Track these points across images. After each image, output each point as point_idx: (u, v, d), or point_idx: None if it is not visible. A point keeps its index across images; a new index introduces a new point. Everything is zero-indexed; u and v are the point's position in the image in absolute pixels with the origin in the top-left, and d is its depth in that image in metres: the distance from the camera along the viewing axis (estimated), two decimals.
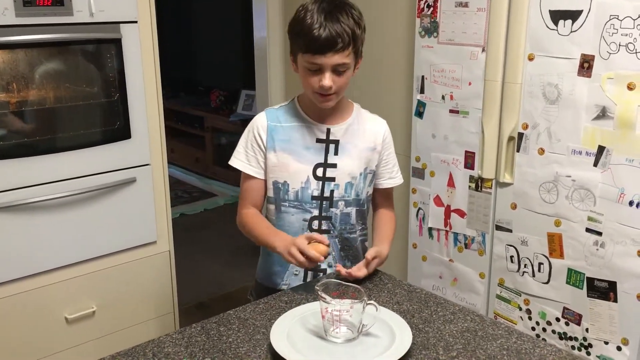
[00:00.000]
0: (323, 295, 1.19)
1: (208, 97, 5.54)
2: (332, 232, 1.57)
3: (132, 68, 2.13)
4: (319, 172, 1.54)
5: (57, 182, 2.04)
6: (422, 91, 2.37)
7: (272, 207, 1.60)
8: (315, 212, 1.56)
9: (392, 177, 1.66)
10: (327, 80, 1.42)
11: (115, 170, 2.16)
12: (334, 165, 1.54)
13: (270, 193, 1.59)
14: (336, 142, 1.55)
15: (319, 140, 1.54)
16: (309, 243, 1.39)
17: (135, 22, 2.10)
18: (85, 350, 2.18)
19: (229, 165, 1.63)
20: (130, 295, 2.29)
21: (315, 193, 1.55)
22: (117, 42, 2.07)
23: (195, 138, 5.56)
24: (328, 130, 1.54)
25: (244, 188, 1.62)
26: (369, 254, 1.46)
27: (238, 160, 1.60)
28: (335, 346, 1.18)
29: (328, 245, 1.41)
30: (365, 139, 1.57)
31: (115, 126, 2.15)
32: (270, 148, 1.55)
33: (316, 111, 1.54)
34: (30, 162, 1.98)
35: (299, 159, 1.54)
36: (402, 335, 1.18)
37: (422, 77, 2.35)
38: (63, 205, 2.06)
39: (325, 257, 1.40)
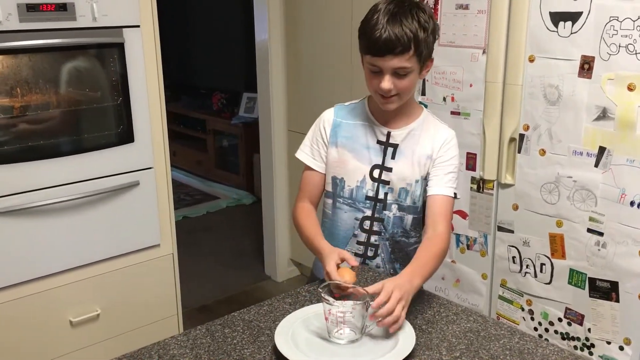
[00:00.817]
0: (326, 297, 1.20)
1: (210, 100, 5.55)
2: (383, 234, 1.56)
3: (135, 72, 2.14)
4: (376, 173, 1.53)
5: (61, 186, 2.05)
6: (423, 93, 2.38)
7: (329, 201, 1.61)
8: (368, 213, 1.55)
9: (436, 186, 1.50)
10: (386, 83, 1.40)
11: (118, 174, 2.17)
12: (389, 169, 1.53)
13: (329, 187, 1.60)
14: (395, 146, 1.53)
15: (379, 142, 1.54)
16: (339, 265, 1.35)
17: (138, 26, 2.11)
18: (89, 353, 2.19)
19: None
20: (134, 298, 2.30)
21: (370, 193, 1.54)
22: (120, 47, 2.09)
23: (197, 141, 5.57)
24: (388, 134, 1.53)
25: (303, 179, 1.62)
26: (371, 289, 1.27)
27: (303, 152, 1.62)
28: (338, 347, 1.19)
29: (357, 268, 1.38)
30: (424, 146, 1.53)
31: (118, 130, 2.16)
32: (332, 143, 1.56)
33: (381, 112, 1.53)
34: (34, 167, 1.99)
35: (358, 157, 1.54)
36: (405, 336, 1.19)
37: (424, 79, 2.36)
38: (67, 209, 2.07)
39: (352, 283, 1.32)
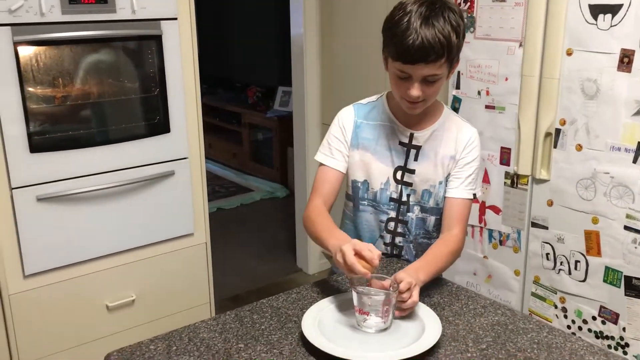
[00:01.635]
0: (356, 285, 1.21)
1: (245, 93, 5.60)
2: (407, 236, 1.55)
3: (172, 64, 2.18)
4: (399, 175, 1.50)
5: (98, 174, 2.11)
6: (458, 87, 2.36)
7: (350, 204, 1.59)
8: (392, 214, 1.53)
9: (456, 188, 1.48)
10: (416, 90, 1.34)
11: (154, 164, 2.22)
12: (412, 171, 1.49)
13: (349, 191, 1.57)
14: (418, 148, 1.49)
15: (401, 144, 1.50)
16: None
17: (175, 19, 2.15)
18: (124, 338, 2.25)
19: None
20: (168, 285, 2.35)
21: (394, 195, 1.52)
22: (158, 39, 2.13)
23: (233, 134, 5.63)
24: (411, 135, 1.48)
25: (317, 178, 1.53)
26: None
27: (321, 153, 1.54)
28: (365, 336, 1.20)
29: (374, 267, 1.23)
30: (447, 146, 1.49)
31: (155, 120, 2.21)
32: (354, 146, 1.51)
33: (403, 113, 1.47)
34: (74, 155, 2.05)
35: (381, 159, 1.50)
36: (432, 327, 1.19)
37: (458, 72, 2.34)
38: (104, 196, 2.13)
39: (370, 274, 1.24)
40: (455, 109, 2.37)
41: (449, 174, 1.50)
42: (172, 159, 2.25)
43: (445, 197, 1.50)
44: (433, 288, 1.42)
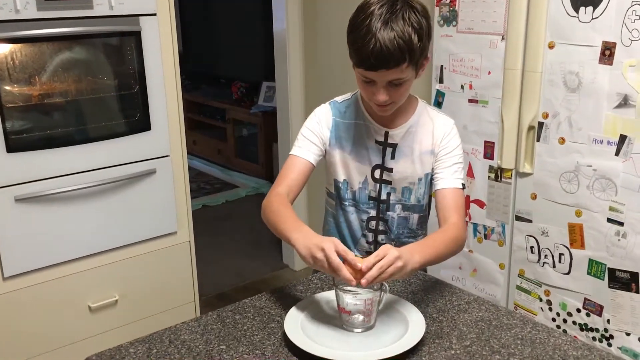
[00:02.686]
0: (339, 284, 1.19)
1: (229, 89, 5.56)
2: (388, 234, 1.53)
3: (152, 61, 2.15)
4: (377, 174, 1.48)
5: (79, 173, 2.07)
6: (441, 81, 2.35)
7: (333, 202, 1.57)
8: (373, 213, 1.52)
9: (443, 179, 1.43)
10: (382, 95, 1.31)
11: (135, 162, 2.19)
12: (390, 169, 1.47)
13: (332, 189, 1.55)
14: (394, 146, 1.46)
15: (377, 142, 1.47)
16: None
17: (155, 14, 2.12)
18: (107, 339, 2.23)
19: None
20: (152, 285, 2.32)
21: (373, 194, 1.50)
22: (137, 35, 2.10)
23: (217, 130, 5.59)
24: (386, 134, 1.46)
25: (284, 166, 1.47)
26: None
27: (295, 147, 1.48)
28: (348, 335, 1.19)
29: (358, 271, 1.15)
30: (424, 142, 1.46)
31: (135, 118, 2.18)
32: (333, 145, 1.48)
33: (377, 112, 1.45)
34: (53, 154, 2.01)
35: (358, 158, 1.48)
36: (415, 325, 1.18)
37: (441, 66, 2.33)
38: (85, 196, 2.09)
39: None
40: (439, 104, 2.36)
41: (432, 170, 1.47)
42: (153, 157, 2.23)
43: (435, 192, 1.45)
44: (417, 284, 1.41)
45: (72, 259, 2.12)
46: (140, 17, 2.08)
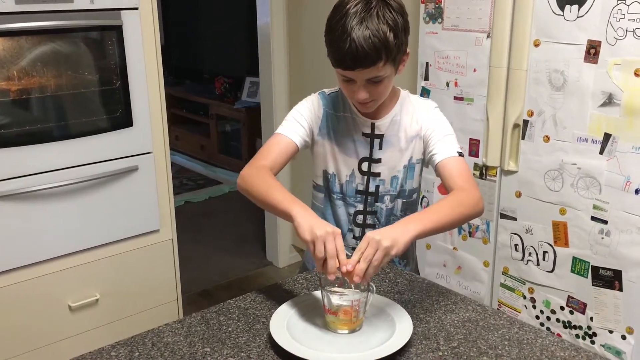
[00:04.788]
0: (325, 285, 1.18)
1: (213, 84, 5.51)
2: (377, 226, 1.52)
3: (133, 55, 2.11)
4: (364, 166, 1.47)
5: (59, 170, 2.03)
6: (426, 78, 2.34)
7: (320, 195, 1.55)
8: (360, 207, 1.50)
9: (439, 152, 1.40)
10: (362, 93, 1.31)
11: (117, 159, 2.15)
12: (378, 161, 1.47)
13: (320, 181, 1.54)
14: (381, 137, 1.46)
15: (364, 134, 1.46)
16: None
17: (136, 8, 2.08)
18: (89, 339, 2.19)
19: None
20: (134, 283, 2.29)
21: (360, 187, 1.49)
22: (118, 29, 2.06)
23: (200, 125, 5.55)
24: (373, 125, 1.45)
25: (268, 142, 1.42)
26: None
27: (282, 126, 1.45)
28: (334, 337, 1.17)
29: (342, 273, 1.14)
30: (409, 128, 1.45)
31: (116, 114, 2.14)
32: (324, 135, 1.47)
33: None
34: (31, 151, 1.97)
35: (344, 151, 1.47)
36: (403, 326, 1.17)
37: (427, 63, 2.32)
38: (65, 193, 2.05)
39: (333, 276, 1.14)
40: None
41: (425, 151, 1.45)
42: (135, 153, 2.19)
43: (436, 166, 1.41)
44: (404, 284, 1.40)
45: (51, 257, 2.08)
46: (122, 11, 2.04)
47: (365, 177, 1.48)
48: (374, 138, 1.46)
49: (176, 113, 5.68)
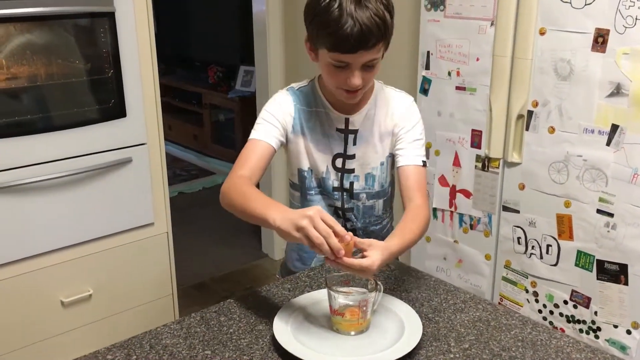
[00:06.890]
0: (332, 286, 1.13)
1: (205, 73, 5.43)
2: (354, 222, 1.49)
3: (126, 43, 2.04)
4: (338, 162, 1.44)
5: (50, 162, 1.97)
6: (427, 67, 2.29)
7: (297, 194, 1.51)
8: (338, 204, 1.48)
9: (404, 156, 1.41)
10: (356, 79, 1.27)
11: (110, 150, 2.09)
12: (352, 157, 1.43)
13: (295, 179, 1.50)
14: (355, 132, 1.42)
15: (338, 130, 1.43)
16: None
17: None
18: (81, 334, 2.14)
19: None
20: (128, 278, 2.24)
21: (335, 184, 1.46)
22: (110, 16, 1.99)
23: (193, 115, 5.47)
24: (347, 120, 1.42)
25: (243, 151, 1.38)
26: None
27: (255, 131, 1.41)
28: (341, 338, 1.12)
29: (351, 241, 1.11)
30: (383, 123, 1.43)
31: (109, 104, 2.07)
32: (297, 132, 1.43)
33: (336, 99, 1.40)
34: (21, 142, 1.90)
35: (319, 147, 1.43)
36: (412, 326, 1.12)
37: (428, 52, 2.27)
38: (56, 186, 1.99)
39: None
40: (425, 91, 2.30)
41: (394, 148, 1.44)
42: (129, 145, 2.13)
43: (397, 168, 1.42)
44: (410, 282, 1.35)
45: (43, 252, 2.02)
46: None
47: (339, 174, 1.45)
48: (349, 134, 1.43)
49: (168, 102, 5.59)
